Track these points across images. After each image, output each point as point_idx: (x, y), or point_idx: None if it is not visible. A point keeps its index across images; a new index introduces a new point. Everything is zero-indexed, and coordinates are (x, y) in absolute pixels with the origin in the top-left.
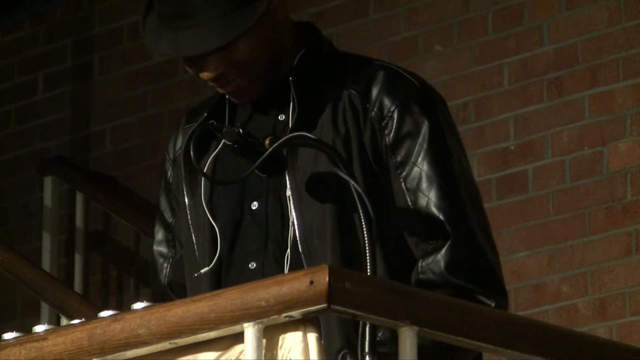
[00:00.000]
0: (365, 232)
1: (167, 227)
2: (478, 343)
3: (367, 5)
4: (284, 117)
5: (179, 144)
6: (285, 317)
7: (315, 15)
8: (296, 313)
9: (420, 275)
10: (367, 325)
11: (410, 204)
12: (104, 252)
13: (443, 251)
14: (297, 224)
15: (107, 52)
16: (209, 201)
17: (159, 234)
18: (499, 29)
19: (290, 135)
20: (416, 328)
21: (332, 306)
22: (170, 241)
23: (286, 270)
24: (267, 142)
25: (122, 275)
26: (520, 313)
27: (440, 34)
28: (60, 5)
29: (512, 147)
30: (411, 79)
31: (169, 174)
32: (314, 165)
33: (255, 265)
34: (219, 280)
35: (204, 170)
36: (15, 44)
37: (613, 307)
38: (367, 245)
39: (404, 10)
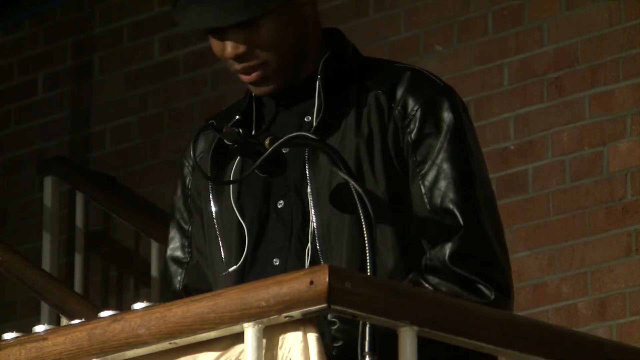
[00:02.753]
0: (365, 232)
1: (183, 233)
2: (478, 343)
3: (367, 5)
4: (309, 118)
5: (200, 149)
6: (285, 317)
7: None
8: (296, 313)
9: (426, 262)
10: (367, 325)
11: (426, 201)
12: (104, 252)
13: (451, 241)
14: (316, 221)
15: (107, 52)
16: (237, 202)
17: (175, 240)
18: (499, 29)
19: (291, 135)
20: (416, 328)
21: (332, 306)
22: (186, 247)
23: (307, 265)
24: (267, 142)
25: (122, 275)
26: (520, 313)
27: (440, 34)
28: (60, 5)
29: (512, 147)
30: (436, 80)
31: (188, 179)
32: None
33: (278, 262)
34: (242, 279)
35: (232, 175)
36: (15, 44)
37: (613, 307)
38: (367, 245)
39: (404, 10)
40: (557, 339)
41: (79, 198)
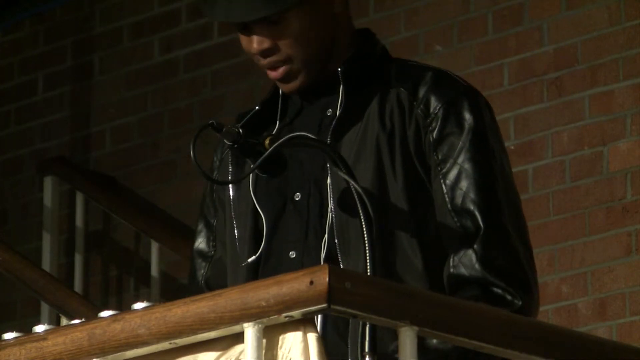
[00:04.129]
0: (365, 232)
1: (209, 227)
2: (478, 343)
3: (367, 5)
4: (331, 111)
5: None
6: (285, 317)
7: None
8: (296, 313)
9: (452, 270)
10: (367, 325)
11: (447, 200)
12: (104, 252)
13: (475, 245)
14: (335, 213)
15: (107, 52)
16: (255, 192)
17: (202, 234)
18: (499, 29)
19: (291, 135)
20: (416, 328)
21: (332, 306)
22: (211, 240)
23: (322, 257)
24: (267, 142)
25: (122, 275)
26: None
27: (440, 34)
28: (60, 5)
29: (512, 147)
30: (459, 80)
31: (215, 174)
32: (356, 159)
33: (295, 254)
34: (257, 270)
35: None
36: (15, 44)
37: (613, 307)
38: (367, 245)
39: (404, 10)
40: (557, 339)
41: (79, 198)
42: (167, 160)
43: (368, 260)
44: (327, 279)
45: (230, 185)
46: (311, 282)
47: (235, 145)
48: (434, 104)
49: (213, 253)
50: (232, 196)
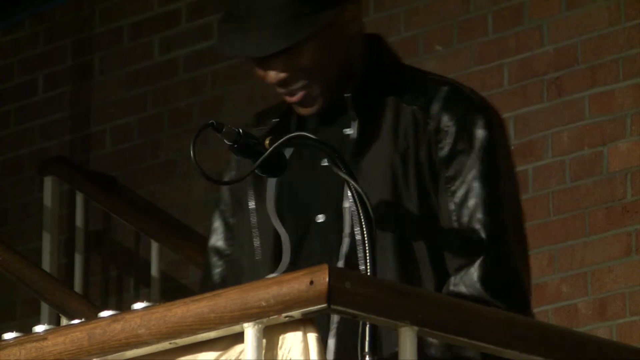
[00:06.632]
0: (365, 232)
1: (227, 225)
2: (478, 343)
3: (367, 5)
4: (348, 131)
5: None
6: (285, 317)
7: None
8: (296, 313)
9: (452, 287)
10: (367, 325)
11: (454, 218)
12: (104, 252)
13: (476, 265)
14: (350, 237)
15: (107, 52)
16: (277, 209)
17: (218, 231)
18: (499, 29)
19: (290, 135)
20: (416, 328)
21: (332, 306)
22: (229, 239)
23: None
24: (267, 142)
25: (122, 275)
26: None
27: (440, 34)
28: (60, 5)
29: (512, 147)
30: (472, 96)
31: (234, 173)
32: (371, 180)
33: None
34: None
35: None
36: (15, 44)
37: (613, 307)
38: (367, 245)
39: (404, 10)
40: (557, 339)
41: (79, 198)
42: (167, 160)
43: (368, 260)
44: (327, 279)
45: (249, 194)
46: (311, 282)
47: (235, 145)
48: (445, 121)
49: (230, 252)
50: (255, 206)
